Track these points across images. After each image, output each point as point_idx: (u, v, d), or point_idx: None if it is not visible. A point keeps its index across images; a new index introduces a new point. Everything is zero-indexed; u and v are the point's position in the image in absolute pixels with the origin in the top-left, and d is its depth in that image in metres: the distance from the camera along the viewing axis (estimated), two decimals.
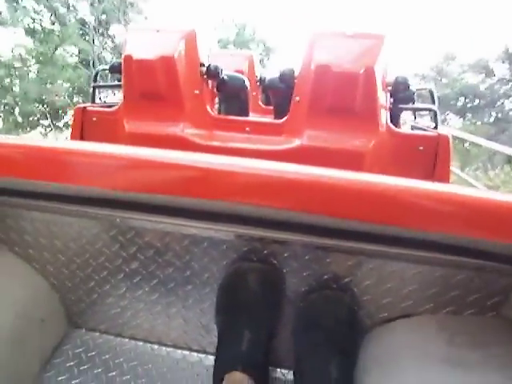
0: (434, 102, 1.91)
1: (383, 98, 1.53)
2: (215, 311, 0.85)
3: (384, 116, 1.54)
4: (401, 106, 1.80)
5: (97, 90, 2.15)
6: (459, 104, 17.04)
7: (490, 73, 16.54)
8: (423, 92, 2.01)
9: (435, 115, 1.79)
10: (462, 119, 17.09)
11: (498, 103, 16.86)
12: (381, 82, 1.48)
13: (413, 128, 2.19)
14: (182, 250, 0.84)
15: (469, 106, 17.12)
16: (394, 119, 1.75)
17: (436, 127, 1.77)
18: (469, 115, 16.95)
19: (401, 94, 1.68)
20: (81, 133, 1.84)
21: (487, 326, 0.73)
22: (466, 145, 12.04)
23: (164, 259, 0.86)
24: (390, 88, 1.59)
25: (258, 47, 18.54)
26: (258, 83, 2.81)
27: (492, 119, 16.57)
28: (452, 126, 15.17)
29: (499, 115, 16.53)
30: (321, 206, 0.56)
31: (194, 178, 0.56)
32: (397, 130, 1.64)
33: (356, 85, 1.43)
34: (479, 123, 16.36)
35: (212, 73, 1.71)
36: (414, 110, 2.20)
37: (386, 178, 0.56)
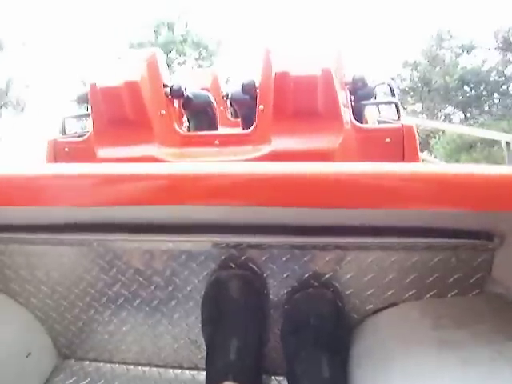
0: (393, 95, 1.99)
1: (343, 97, 1.59)
2: (201, 323, 0.85)
3: (347, 114, 1.60)
4: (363, 102, 1.86)
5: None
6: (462, 94, 14.23)
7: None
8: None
9: (397, 107, 1.86)
10: (468, 114, 14.46)
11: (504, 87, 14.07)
12: (339, 81, 1.54)
13: (379, 122, 2.26)
14: (161, 267, 0.85)
15: (469, 94, 14.35)
16: (358, 116, 1.81)
17: (399, 118, 1.84)
18: (471, 108, 14.30)
19: (360, 91, 1.74)
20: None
21: (471, 305, 0.74)
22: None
23: (145, 278, 0.87)
24: (348, 86, 1.65)
25: (194, 50, 15.34)
26: (224, 98, 2.86)
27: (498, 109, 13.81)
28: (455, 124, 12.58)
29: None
30: (290, 199, 0.58)
31: (162, 185, 0.59)
32: (361, 125, 1.70)
33: (315, 87, 1.48)
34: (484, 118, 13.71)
35: (176, 93, 1.75)
36: (377, 105, 2.27)
37: (352, 164, 0.59)
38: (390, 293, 0.79)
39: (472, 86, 14.49)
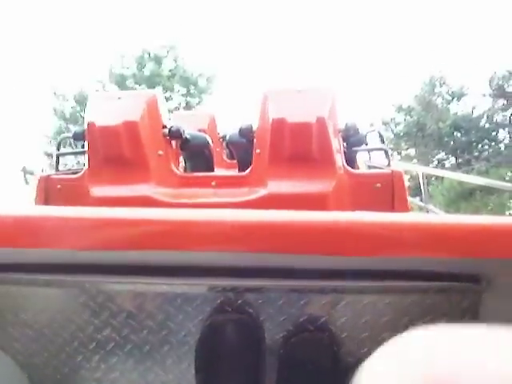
0: (383, 142, 2.06)
1: (337, 143, 1.64)
2: (194, 370, 0.83)
3: (340, 159, 1.64)
4: (354, 148, 1.92)
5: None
6: (454, 140, 14.45)
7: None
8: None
9: (386, 154, 1.92)
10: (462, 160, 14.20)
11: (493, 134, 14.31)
12: (332, 128, 1.59)
13: (369, 167, 2.32)
14: (155, 310, 0.84)
15: (461, 140, 14.33)
16: (351, 161, 1.86)
17: (389, 164, 1.90)
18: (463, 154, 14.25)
19: (352, 137, 1.80)
20: (45, 202, 1.84)
21: None
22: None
23: (137, 321, 0.85)
24: (341, 133, 1.70)
25: (182, 85, 14.36)
26: (221, 139, 2.92)
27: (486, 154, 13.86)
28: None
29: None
30: (286, 246, 0.60)
31: (159, 231, 0.59)
32: (353, 170, 1.74)
33: (310, 134, 1.53)
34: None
35: (174, 134, 1.79)
36: (368, 151, 2.34)
37: (346, 214, 0.61)
38: (384, 335, 0.79)
39: (463, 132, 14.62)
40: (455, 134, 14.81)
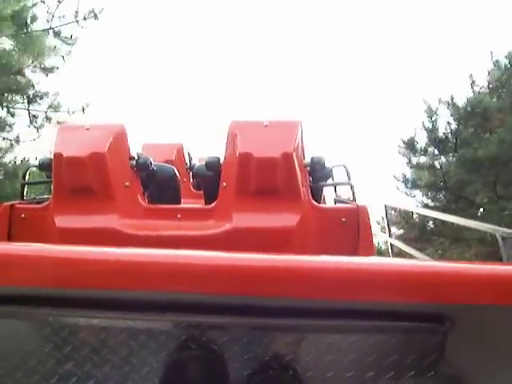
0: (349, 177, 2.13)
1: (302, 178, 1.69)
2: None
3: (305, 194, 1.69)
4: (320, 183, 1.98)
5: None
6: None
7: None
8: None
9: (352, 189, 1.98)
10: None
11: None
12: (299, 163, 1.64)
13: (336, 201, 2.38)
14: (118, 346, 0.83)
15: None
16: (316, 196, 1.91)
17: (354, 199, 1.96)
18: None
19: (318, 172, 1.86)
20: (8, 231, 1.80)
21: None
22: None
23: (100, 356, 0.83)
24: (308, 168, 1.75)
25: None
26: (188, 170, 2.95)
27: None
28: None
29: None
30: (250, 288, 0.61)
31: (124, 271, 0.60)
32: (319, 205, 1.79)
33: (277, 168, 1.58)
34: None
35: (141, 165, 1.80)
36: (334, 186, 2.40)
37: (313, 257, 0.63)
38: (349, 375, 0.80)
39: None
40: None
